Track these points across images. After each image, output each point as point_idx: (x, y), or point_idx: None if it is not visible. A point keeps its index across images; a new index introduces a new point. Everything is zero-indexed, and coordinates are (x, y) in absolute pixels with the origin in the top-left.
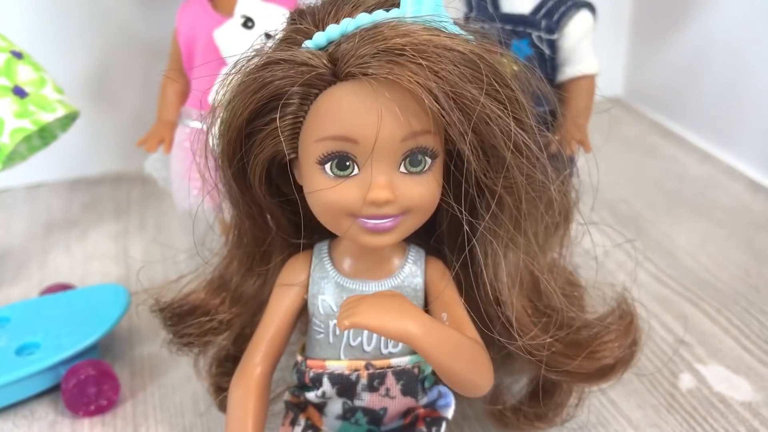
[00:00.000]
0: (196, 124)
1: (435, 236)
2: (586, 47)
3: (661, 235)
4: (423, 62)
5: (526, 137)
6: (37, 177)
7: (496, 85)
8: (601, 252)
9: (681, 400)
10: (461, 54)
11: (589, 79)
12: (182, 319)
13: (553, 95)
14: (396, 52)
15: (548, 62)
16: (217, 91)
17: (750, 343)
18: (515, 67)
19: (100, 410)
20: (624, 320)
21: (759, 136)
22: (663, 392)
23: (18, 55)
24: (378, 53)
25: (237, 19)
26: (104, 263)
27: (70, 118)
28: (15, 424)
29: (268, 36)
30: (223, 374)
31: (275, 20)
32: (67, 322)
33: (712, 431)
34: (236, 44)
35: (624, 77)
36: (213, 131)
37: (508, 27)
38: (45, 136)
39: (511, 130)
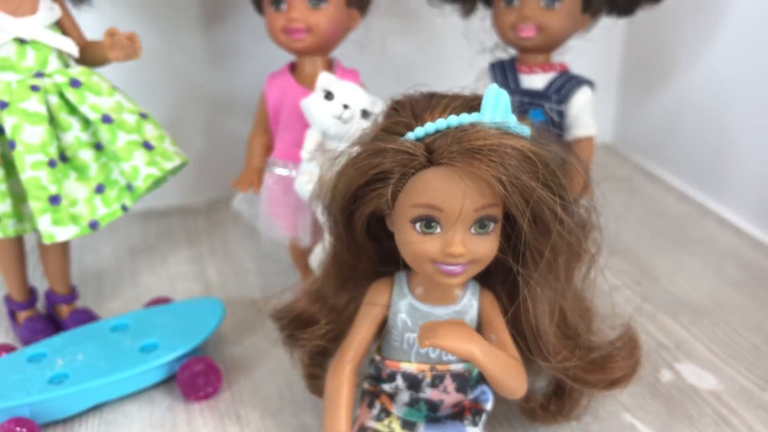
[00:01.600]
0: (282, 171)
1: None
2: (587, 115)
3: (647, 263)
4: (495, 159)
5: (567, 214)
6: None
7: (546, 175)
8: (600, 278)
9: (661, 389)
10: (521, 152)
11: (590, 140)
12: (293, 324)
13: (562, 150)
14: (476, 150)
15: (557, 126)
16: (331, 164)
17: (715, 347)
18: (527, 128)
19: (207, 396)
20: (629, 345)
21: (730, 178)
22: (647, 384)
23: (144, 116)
24: (463, 150)
25: (320, 93)
26: (186, 282)
27: (181, 166)
28: (140, 408)
29: (365, 113)
30: (314, 365)
31: (349, 94)
32: (177, 327)
33: (686, 413)
34: (320, 111)
35: (613, 126)
36: (325, 189)
37: (526, 99)
38: (159, 179)
39: (556, 209)
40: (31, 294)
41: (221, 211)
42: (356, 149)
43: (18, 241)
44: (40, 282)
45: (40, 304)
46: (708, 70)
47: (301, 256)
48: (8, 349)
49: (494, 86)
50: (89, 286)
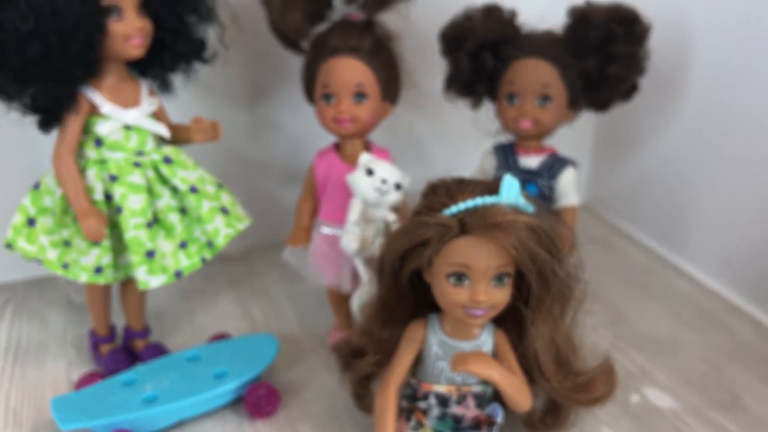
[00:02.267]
0: (328, 231)
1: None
2: (571, 189)
3: (619, 307)
4: (510, 231)
5: (563, 272)
6: None
7: (547, 242)
8: (584, 319)
9: (631, 408)
10: (529, 226)
11: (573, 209)
12: (347, 354)
13: (554, 220)
14: (496, 224)
15: (548, 197)
16: (387, 228)
17: (673, 375)
18: (532, 205)
19: (268, 414)
20: (607, 372)
21: (687, 234)
22: (620, 404)
23: (220, 186)
24: (487, 225)
25: (362, 170)
26: (235, 320)
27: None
28: (214, 424)
29: (398, 186)
30: (362, 387)
31: (386, 171)
32: (241, 358)
33: (651, 427)
34: (363, 185)
35: (588, 187)
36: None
37: (522, 176)
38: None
39: (554, 268)
40: (112, 330)
41: (257, 258)
42: (408, 220)
43: (108, 286)
44: (117, 320)
45: (119, 339)
46: (669, 139)
47: (338, 300)
48: (101, 375)
49: (509, 176)
50: (153, 323)
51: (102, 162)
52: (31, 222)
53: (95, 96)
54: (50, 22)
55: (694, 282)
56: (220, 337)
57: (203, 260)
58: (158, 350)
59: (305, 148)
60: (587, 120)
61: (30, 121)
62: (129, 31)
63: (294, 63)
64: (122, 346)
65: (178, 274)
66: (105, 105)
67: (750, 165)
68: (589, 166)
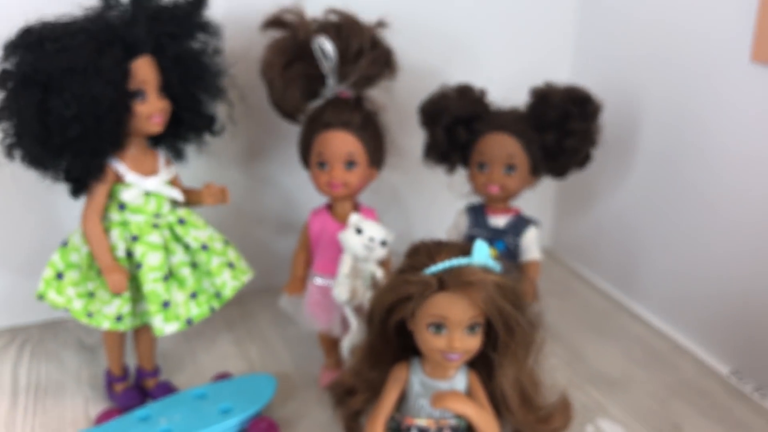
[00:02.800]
0: (321, 282)
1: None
2: (534, 245)
3: (576, 347)
4: (481, 289)
5: (525, 322)
6: None
7: (512, 296)
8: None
9: None
10: (497, 284)
11: (536, 263)
12: (340, 393)
13: (519, 275)
14: (469, 283)
15: (513, 252)
16: (373, 281)
17: (624, 408)
18: (495, 256)
19: None
20: (564, 405)
21: (640, 280)
22: None
23: (227, 242)
24: (461, 283)
25: (352, 229)
26: (234, 360)
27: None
28: None
29: (384, 243)
30: (353, 421)
31: (373, 229)
32: (243, 395)
33: None
34: (353, 243)
35: (551, 236)
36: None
37: (491, 234)
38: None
39: (520, 320)
40: (126, 370)
41: (252, 301)
42: (391, 278)
43: (122, 333)
44: (129, 360)
45: (131, 378)
46: (623, 195)
47: (329, 343)
48: (118, 412)
49: (480, 241)
50: (159, 363)
51: (124, 224)
52: (59, 276)
53: (120, 167)
54: (88, 107)
55: (645, 324)
56: (223, 376)
57: (212, 309)
58: (167, 388)
59: (297, 203)
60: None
61: (58, 188)
62: (151, 111)
63: (288, 130)
64: (134, 384)
65: (189, 322)
66: (128, 174)
67: (691, 218)
68: (552, 218)
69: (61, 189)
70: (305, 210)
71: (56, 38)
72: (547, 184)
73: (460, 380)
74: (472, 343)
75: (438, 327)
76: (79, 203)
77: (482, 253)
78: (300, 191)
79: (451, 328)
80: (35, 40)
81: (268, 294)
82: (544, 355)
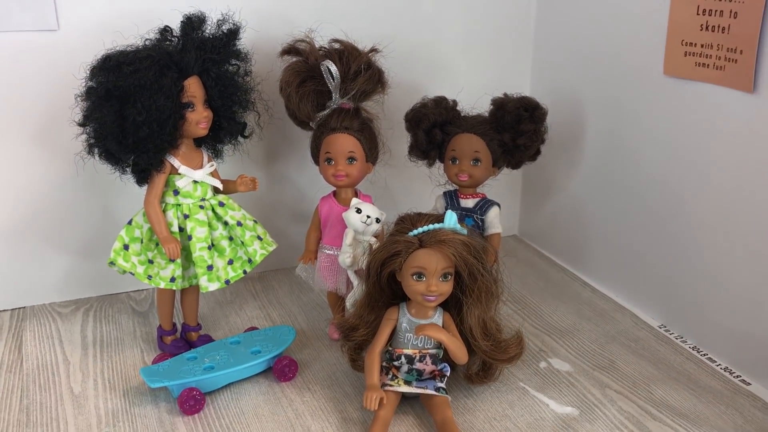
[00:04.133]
0: (329, 251)
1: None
2: (496, 221)
3: (535, 307)
4: (452, 245)
5: (486, 272)
6: None
7: (475, 253)
8: (506, 314)
9: (540, 371)
10: (463, 242)
11: (498, 234)
12: (347, 329)
13: (482, 240)
14: (442, 241)
15: (480, 227)
16: (370, 248)
17: (571, 350)
18: (466, 230)
19: (290, 379)
20: (518, 339)
21: (589, 256)
22: (533, 369)
23: (255, 221)
24: (436, 241)
25: (353, 209)
26: (259, 321)
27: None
28: (252, 385)
29: (378, 220)
30: (355, 353)
31: (369, 209)
32: (269, 341)
33: (553, 382)
34: (354, 219)
35: (518, 223)
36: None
37: (463, 212)
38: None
39: (481, 270)
40: (174, 326)
41: (272, 278)
42: (384, 240)
43: (173, 293)
44: (175, 319)
45: (178, 332)
46: (574, 187)
47: (335, 301)
48: (170, 355)
49: (449, 211)
50: (200, 323)
51: (177, 205)
52: (125, 247)
53: (174, 161)
54: (154, 115)
55: (592, 289)
56: (252, 329)
57: (244, 272)
58: (208, 340)
59: (307, 196)
60: (517, 174)
61: (112, 186)
62: (199, 118)
63: (300, 136)
64: (181, 337)
65: (227, 282)
66: (181, 167)
67: (625, 204)
68: (519, 208)
69: (113, 187)
70: (314, 202)
71: (130, 62)
72: (515, 182)
73: (437, 319)
74: (445, 287)
75: (419, 275)
76: (127, 199)
77: (451, 220)
78: (309, 186)
79: (429, 276)
80: (114, 65)
81: (283, 272)
82: (503, 302)
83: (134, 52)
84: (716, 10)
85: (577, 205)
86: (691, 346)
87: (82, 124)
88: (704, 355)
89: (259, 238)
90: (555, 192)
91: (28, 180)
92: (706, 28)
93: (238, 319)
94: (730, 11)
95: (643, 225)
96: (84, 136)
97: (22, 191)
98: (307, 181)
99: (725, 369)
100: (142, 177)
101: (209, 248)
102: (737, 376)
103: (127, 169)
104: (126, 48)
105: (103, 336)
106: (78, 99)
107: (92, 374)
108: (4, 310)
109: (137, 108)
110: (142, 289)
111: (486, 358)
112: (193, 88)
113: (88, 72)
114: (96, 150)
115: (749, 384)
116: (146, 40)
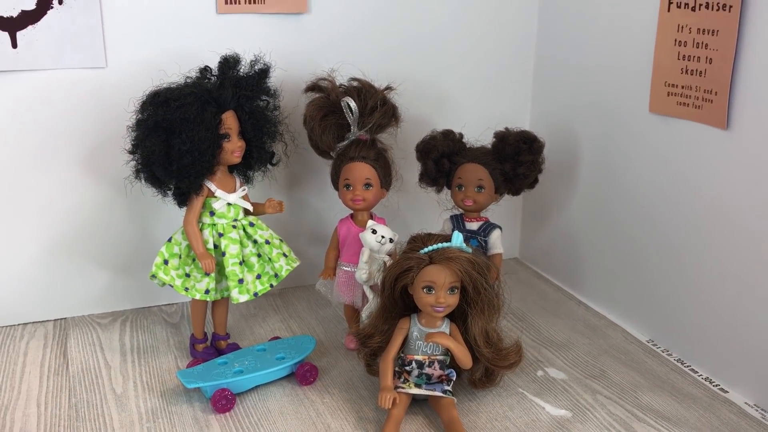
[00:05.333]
0: (347, 268)
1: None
2: (498, 242)
3: (534, 322)
4: (458, 262)
5: (488, 287)
6: None
7: (479, 269)
8: (506, 328)
9: (537, 379)
10: (470, 260)
11: (499, 254)
12: (363, 337)
13: (486, 259)
14: (450, 258)
15: (483, 247)
16: (384, 265)
17: (566, 361)
18: (471, 249)
19: (311, 383)
20: (517, 348)
21: (584, 277)
22: (531, 377)
23: (281, 240)
24: (445, 258)
25: (369, 230)
26: (281, 332)
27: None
28: (277, 387)
29: (391, 240)
30: (371, 359)
31: (384, 231)
32: (292, 349)
33: (550, 388)
34: (370, 239)
35: (519, 246)
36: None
37: (468, 234)
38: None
39: (485, 284)
40: (205, 335)
41: (291, 295)
42: (397, 257)
43: (206, 305)
44: (206, 328)
45: (209, 341)
46: (570, 213)
47: (352, 314)
48: (202, 361)
49: (456, 232)
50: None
51: (213, 225)
52: (165, 262)
53: (211, 185)
54: (197, 144)
55: (587, 307)
56: (276, 338)
57: (271, 286)
58: (236, 347)
59: (325, 220)
60: (518, 200)
61: (149, 207)
62: (234, 148)
63: (319, 165)
64: (211, 345)
65: (255, 295)
66: (217, 191)
67: (618, 229)
68: (520, 231)
69: (151, 210)
70: (331, 224)
71: (176, 98)
72: (515, 207)
73: (444, 328)
74: (452, 299)
75: (429, 289)
76: (162, 220)
77: (458, 240)
78: (328, 210)
79: (438, 289)
80: (162, 100)
81: (302, 288)
82: (503, 316)
83: (179, 88)
84: (694, 56)
85: (572, 229)
86: (677, 358)
87: (132, 152)
88: (687, 366)
89: (285, 255)
90: (553, 217)
91: (75, 201)
92: (686, 71)
93: (262, 330)
94: (706, 57)
95: (633, 248)
96: (132, 163)
97: (69, 211)
98: (326, 205)
99: (706, 379)
100: (183, 199)
101: (240, 264)
102: (716, 385)
103: (169, 192)
104: (171, 85)
105: (140, 344)
106: (129, 129)
107: (132, 377)
108: (47, 320)
109: (182, 138)
110: (173, 303)
111: (488, 364)
112: (230, 121)
113: (138, 106)
114: (142, 175)
115: (727, 392)
116: (187, 78)
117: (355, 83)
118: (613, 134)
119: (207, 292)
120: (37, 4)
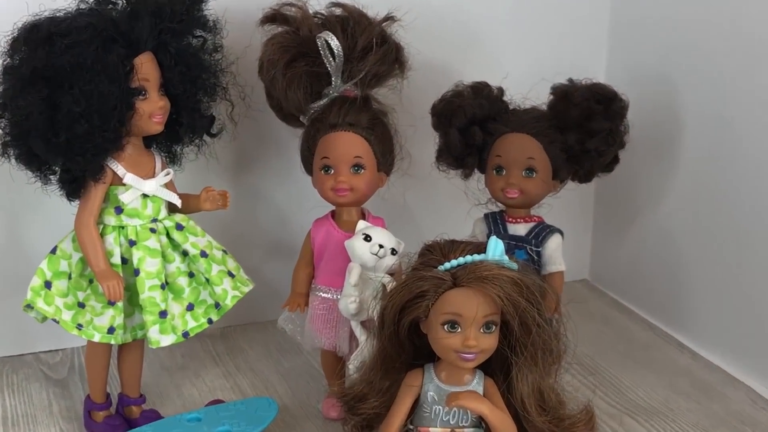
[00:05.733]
0: (326, 294)
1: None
2: (558, 254)
3: (612, 377)
4: (497, 284)
5: (543, 319)
6: None
7: (528, 294)
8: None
9: None
10: (512, 279)
11: (560, 273)
12: (351, 400)
13: (538, 278)
14: (484, 278)
15: (536, 263)
16: (383, 290)
17: None
18: (516, 264)
19: None
20: (588, 416)
21: (688, 310)
22: None
23: (225, 252)
24: (476, 278)
25: (360, 236)
26: (225, 393)
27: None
28: None
29: (393, 251)
30: (364, 431)
31: (382, 236)
32: (241, 418)
33: None
34: (361, 250)
35: (589, 265)
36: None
37: (513, 242)
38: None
39: (538, 319)
40: (108, 397)
41: (237, 336)
42: (404, 277)
43: (109, 351)
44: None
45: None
46: (665, 216)
47: (333, 364)
48: None
49: (494, 238)
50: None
51: (121, 228)
52: (47, 285)
53: (118, 167)
54: (95, 104)
55: (693, 355)
56: (217, 402)
57: (209, 321)
58: (155, 416)
59: (290, 221)
60: (588, 192)
61: (48, 191)
62: (153, 109)
63: (282, 137)
64: (117, 413)
65: (185, 335)
66: (127, 175)
67: (743, 236)
68: (591, 240)
69: (23, 202)
70: (299, 230)
71: (65, 34)
72: (585, 203)
73: (476, 387)
74: (488, 341)
75: (452, 325)
76: (42, 221)
77: (497, 250)
78: (294, 207)
79: (466, 326)
80: (44, 36)
81: (256, 327)
82: (566, 367)
83: (69, 19)
84: None
85: (671, 238)
86: None
87: None
88: None
89: (231, 274)
90: (640, 219)
91: None
92: None
93: (195, 390)
94: None
95: (765, 269)
96: None
97: None
98: (293, 197)
99: None
100: (75, 188)
101: (162, 287)
102: None
103: (53, 178)
104: (56, 14)
105: (8, 412)
106: None
107: None
108: None
109: (74, 95)
110: (59, 349)
111: None
112: (146, 68)
113: (7, 46)
114: (12, 151)
115: None
116: (82, 3)
117: (338, 11)
118: (739, 82)
119: (111, 331)
120: None
